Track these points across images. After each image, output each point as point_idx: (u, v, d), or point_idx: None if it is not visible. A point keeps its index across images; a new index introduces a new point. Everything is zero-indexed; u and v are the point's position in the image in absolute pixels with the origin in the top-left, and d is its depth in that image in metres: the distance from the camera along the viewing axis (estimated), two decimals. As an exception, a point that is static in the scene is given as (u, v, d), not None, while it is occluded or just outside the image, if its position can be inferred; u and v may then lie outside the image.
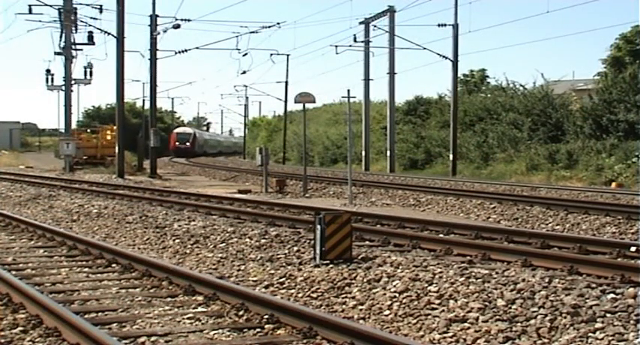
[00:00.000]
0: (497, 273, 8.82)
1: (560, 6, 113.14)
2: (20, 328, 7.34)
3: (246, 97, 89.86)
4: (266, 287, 9.43)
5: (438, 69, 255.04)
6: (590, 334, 6.65)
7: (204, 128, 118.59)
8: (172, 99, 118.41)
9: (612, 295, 7.65)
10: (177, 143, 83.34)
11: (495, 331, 6.92)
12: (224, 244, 12.32)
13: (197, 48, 41.50)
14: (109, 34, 36.91)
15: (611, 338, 6.52)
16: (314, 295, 8.86)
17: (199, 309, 8.17)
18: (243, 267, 10.63)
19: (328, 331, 6.82)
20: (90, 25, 40.32)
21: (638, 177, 27.39)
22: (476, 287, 8.07)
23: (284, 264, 10.41)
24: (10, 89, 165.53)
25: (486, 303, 7.60)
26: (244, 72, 53.50)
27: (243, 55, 40.99)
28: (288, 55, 61.21)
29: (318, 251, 10.11)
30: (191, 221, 15.08)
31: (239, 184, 33.28)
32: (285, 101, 65.78)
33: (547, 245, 11.58)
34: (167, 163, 58.00)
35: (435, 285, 8.36)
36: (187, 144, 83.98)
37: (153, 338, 7.03)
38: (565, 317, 7.02)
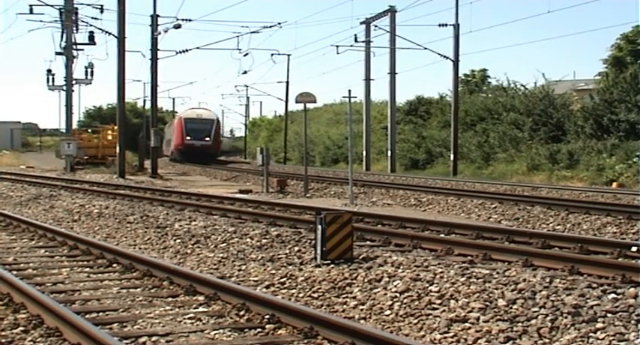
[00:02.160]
0: (498, 273, 8.82)
1: (561, 6, 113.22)
2: (21, 328, 7.35)
3: (247, 97, 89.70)
4: (267, 287, 9.43)
5: (438, 69, 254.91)
6: (591, 334, 6.64)
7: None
8: (173, 99, 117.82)
9: (613, 295, 7.65)
10: (187, 138, 52.75)
11: (496, 331, 6.92)
12: (225, 244, 12.32)
13: (198, 48, 41.40)
14: (109, 34, 36.95)
15: (612, 338, 6.52)
16: (315, 295, 8.86)
17: (200, 309, 8.17)
18: (244, 267, 10.64)
19: (329, 331, 6.83)
20: (91, 25, 40.39)
21: (638, 177, 27.38)
22: (477, 287, 8.07)
23: (285, 264, 10.41)
24: (11, 89, 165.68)
25: (487, 303, 7.60)
26: (245, 72, 53.32)
27: (244, 55, 40.90)
28: (289, 55, 61.17)
29: (319, 251, 10.11)
30: (192, 221, 15.08)
31: (240, 184, 33.28)
32: (286, 101, 65.76)
33: (548, 245, 11.58)
34: (168, 163, 57.98)
35: (435, 285, 8.36)
36: (207, 140, 52.98)
37: (154, 338, 7.04)
38: (566, 317, 7.02)
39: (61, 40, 41.79)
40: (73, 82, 43.50)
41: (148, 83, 43.34)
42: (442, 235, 13.08)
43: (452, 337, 7.04)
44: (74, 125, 50.21)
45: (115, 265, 10.92)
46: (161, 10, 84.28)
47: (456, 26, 37.76)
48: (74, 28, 41.25)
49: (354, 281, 8.98)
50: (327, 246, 10.05)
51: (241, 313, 7.79)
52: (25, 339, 7.01)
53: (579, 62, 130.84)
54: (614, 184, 27.26)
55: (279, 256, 10.97)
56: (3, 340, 6.96)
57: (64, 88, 43.73)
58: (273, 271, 10.05)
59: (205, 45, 49.23)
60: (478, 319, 7.28)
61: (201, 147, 51.00)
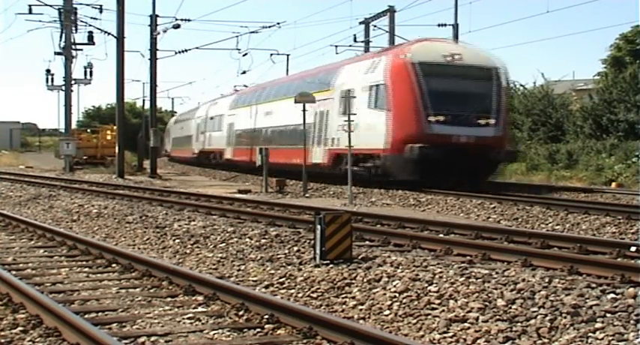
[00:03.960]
0: (497, 273, 8.82)
1: (561, 6, 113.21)
2: (20, 328, 7.33)
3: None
4: (266, 287, 9.42)
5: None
6: (590, 334, 6.64)
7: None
8: (172, 99, 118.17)
9: (612, 295, 7.66)
10: (433, 120, 22.38)
11: (495, 331, 6.92)
12: (224, 244, 12.32)
13: (197, 48, 41.49)
14: (109, 34, 36.99)
15: (611, 338, 6.52)
16: (314, 295, 8.85)
17: (199, 309, 8.16)
18: (243, 267, 10.63)
19: (328, 331, 6.82)
20: (90, 25, 40.44)
21: (638, 177, 27.40)
22: (476, 287, 8.07)
23: (284, 264, 10.41)
24: (11, 89, 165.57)
25: (486, 303, 7.60)
26: (244, 72, 53.40)
27: (244, 55, 40.92)
28: (288, 55, 60.98)
29: (318, 251, 10.11)
30: (191, 221, 15.08)
31: (239, 184, 33.27)
32: (285, 101, 65.57)
33: (547, 245, 11.58)
34: (167, 163, 57.96)
35: (435, 285, 8.36)
36: (486, 124, 22.36)
37: (153, 338, 7.03)
38: (565, 317, 7.02)
39: (60, 40, 41.88)
40: (72, 82, 43.55)
41: (147, 83, 43.45)
42: (441, 235, 13.08)
43: (451, 337, 7.04)
44: (73, 125, 50.26)
45: (114, 265, 10.91)
46: (160, 10, 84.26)
47: (455, 26, 37.77)
48: (73, 28, 41.29)
49: (353, 281, 8.98)
50: (326, 246, 10.05)
51: (240, 313, 7.78)
52: (24, 339, 7.00)
53: (578, 62, 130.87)
54: (614, 184, 27.29)
55: (278, 256, 10.97)
56: (2, 340, 6.95)
57: (63, 88, 43.78)
58: (272, 271, 10.04)
59: (204, 45, 49.32)
60: (477, 319, 7.28)
61: (475, 145, 21.16)
